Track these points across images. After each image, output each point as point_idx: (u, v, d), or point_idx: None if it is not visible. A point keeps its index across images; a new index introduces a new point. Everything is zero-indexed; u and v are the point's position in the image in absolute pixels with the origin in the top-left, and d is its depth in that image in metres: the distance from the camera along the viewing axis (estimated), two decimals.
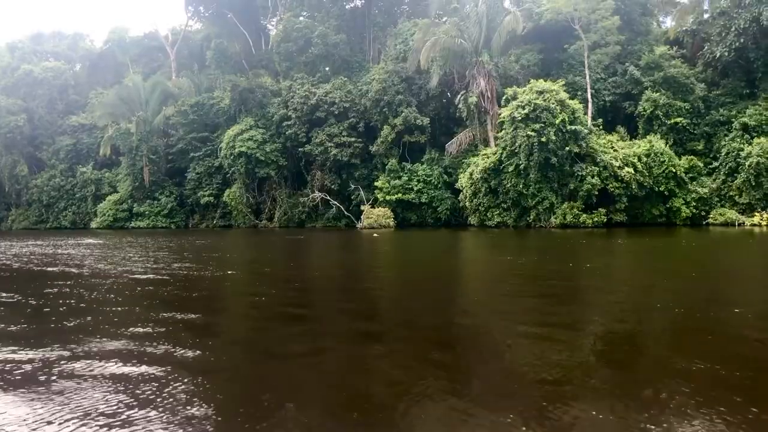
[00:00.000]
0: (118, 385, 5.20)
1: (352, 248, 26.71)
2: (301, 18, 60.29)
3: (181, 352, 6.37)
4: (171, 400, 4.77)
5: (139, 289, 12.11)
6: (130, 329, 7.72)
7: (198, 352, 6.41)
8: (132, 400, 4.78)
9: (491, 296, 11.05)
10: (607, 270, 15.58)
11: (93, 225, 62.07)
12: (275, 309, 9.73)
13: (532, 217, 37.83)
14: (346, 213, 49.80)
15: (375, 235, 35.45)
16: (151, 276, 14.25)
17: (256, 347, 7.05)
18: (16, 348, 6.75)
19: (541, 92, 36.35)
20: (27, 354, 6.45)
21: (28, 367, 5.90)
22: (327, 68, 57.03)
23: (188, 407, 4.62)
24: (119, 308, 9.61)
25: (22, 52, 77.41)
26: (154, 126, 60.28)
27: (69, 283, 13.04)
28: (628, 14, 44.24)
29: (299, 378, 5.47)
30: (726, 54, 38.90)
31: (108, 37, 79.34)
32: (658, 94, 40.03)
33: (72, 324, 8.24)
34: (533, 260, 18.21)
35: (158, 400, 4.77)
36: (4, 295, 11.43)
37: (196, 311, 9.44)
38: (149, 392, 4.96)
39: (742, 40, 38.06)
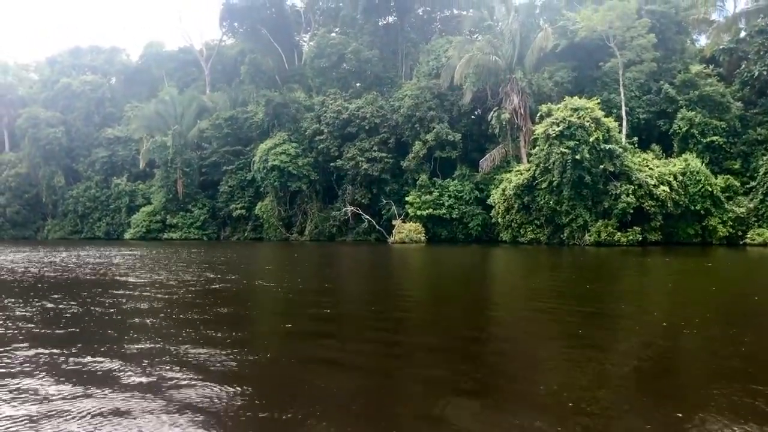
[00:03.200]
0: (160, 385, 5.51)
1: (388, 263, 26.90)
2: (334, 34, 61.08)
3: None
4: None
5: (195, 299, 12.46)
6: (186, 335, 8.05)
7: (237, 358, 6.63)
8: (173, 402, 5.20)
9: (524, 316, 11.11)
10: (645, 291, 15.55)
11: (126, 236, 63.15)
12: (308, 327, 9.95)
13: (565, 234, 37.65)
14: (377, 227, 50.00)
15: (395, 245, 35.64)
16: (211, 286, 14.61)
17: (293, 358, 7.27)
18: (90, 350, 7.10)
19: (575, 109, 36.29)
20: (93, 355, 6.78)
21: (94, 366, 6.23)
22: (359, 84, 57.59)
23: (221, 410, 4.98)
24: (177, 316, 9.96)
25: (61, 66, 79.53)
26: (188, 139, 61.33)
27: (123, 293, 13.46)
28: (663, 32, 44.00)
29: (330, 388, 5.68)
30: (765, 73, 38.51)
31: (144, 52, 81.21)
32: (693, 112, 39.73)
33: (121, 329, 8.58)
34: (575, 279, 18.21)
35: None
36: (80, 303, 11.85)
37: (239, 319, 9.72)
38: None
39: None
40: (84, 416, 4.89)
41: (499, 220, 40.98)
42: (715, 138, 39.23)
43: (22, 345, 7.73)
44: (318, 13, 69.75)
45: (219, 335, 8.46)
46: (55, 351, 7.34)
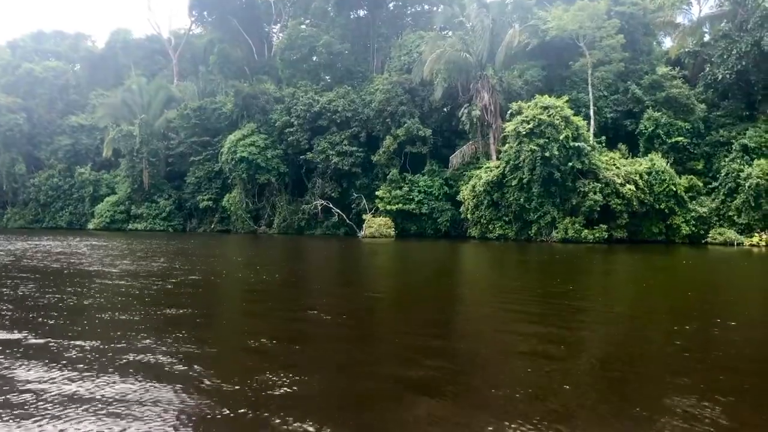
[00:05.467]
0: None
1: (360, 258, 26.90)
2: (304, 26, 60.49)
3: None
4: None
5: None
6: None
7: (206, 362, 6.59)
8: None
9: (489, 312, 11.22)
10: (608, 288, 15.85)
11: (90, 226, 61.85)
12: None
13: (533, 231, 38.14)
14: (347, 221, 49.91)
15: (365, 239, 35.64)
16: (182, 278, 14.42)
17: (257, 356, 7.25)
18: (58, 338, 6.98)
19: (545, 108, 36.73)
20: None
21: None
22: (329, 77, 57.29)
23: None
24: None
25: (23, 51, 77.48)
26: (155, 129, 60.26)
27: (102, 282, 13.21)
28: (631, 34, 44.73)
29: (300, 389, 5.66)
30: (727, 76, 39.41)
31: (110, 39, 79.36)
32: (659, 113, 40.54)
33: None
34: (541, 275, 18.45)
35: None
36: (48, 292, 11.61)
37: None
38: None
39: (743, 63, 38.55)
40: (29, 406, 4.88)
41: (468, 216, 41.26)
42: (679, 139, 40.09)
43: None
44: (288, 5, 68.89)
45: (180, 335, 8.38)
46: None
